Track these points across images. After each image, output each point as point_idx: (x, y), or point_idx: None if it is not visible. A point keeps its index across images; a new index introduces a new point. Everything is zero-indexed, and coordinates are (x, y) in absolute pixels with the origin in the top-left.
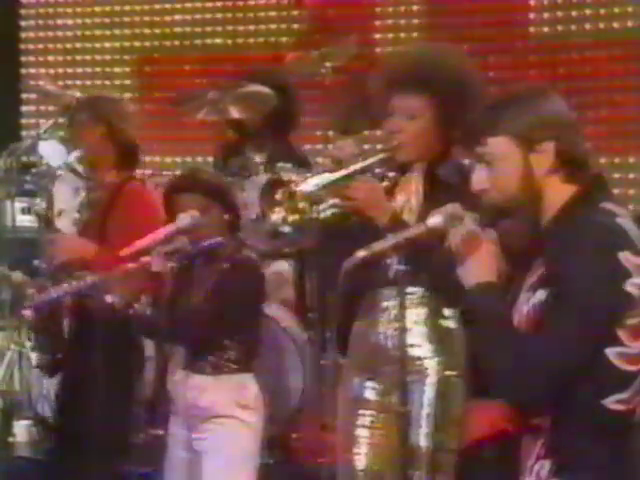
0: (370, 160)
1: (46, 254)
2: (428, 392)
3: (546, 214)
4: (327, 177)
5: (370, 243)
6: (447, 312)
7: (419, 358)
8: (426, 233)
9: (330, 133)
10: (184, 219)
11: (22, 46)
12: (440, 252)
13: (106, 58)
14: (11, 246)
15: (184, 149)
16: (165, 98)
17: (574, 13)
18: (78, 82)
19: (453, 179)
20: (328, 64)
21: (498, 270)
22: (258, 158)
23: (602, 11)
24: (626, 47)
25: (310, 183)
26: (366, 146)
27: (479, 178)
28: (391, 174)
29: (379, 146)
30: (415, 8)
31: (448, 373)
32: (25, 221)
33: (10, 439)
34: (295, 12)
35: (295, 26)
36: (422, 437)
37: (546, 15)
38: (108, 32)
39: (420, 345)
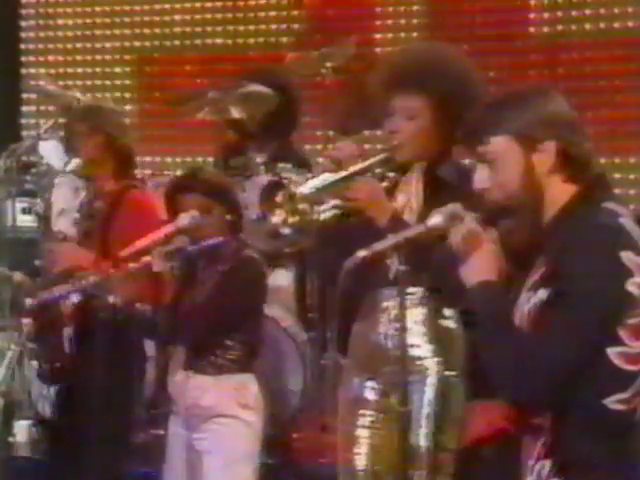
0: (370, 161)
1: (45, 262)
2: (428, 392)
3: (547, 213)
4: (327, 178)
5: (370, 243)
6: (447, 312)
7: (419, 358)
8: (426, 233)
9: (330, 133)
10: (184, 219)
11: (22, 46)
12: (440, 252)
13: (106, 58)
14: (11, 246)
15: (184, 149)
16: (165, 98)
17: (574, 13)
18: (78, 82)
19: (453, 179)
20: (328, 64)
21: (499, 269)
22: (259, 158)
23: (602, 11)
24: (626, 47)
25: (310, 185)
26: (366, 146)
27: (480, 177)
28: (391, 174)
29: (379, 146)
30: (415, 8)
31: (448, 373)
32: (25, 221)
33: (10, 439)
34: (295, 12)
35: (295, 26)
36: (422, 437)
37: (546, 15)
38: (108, 32)
39: (420, 345)
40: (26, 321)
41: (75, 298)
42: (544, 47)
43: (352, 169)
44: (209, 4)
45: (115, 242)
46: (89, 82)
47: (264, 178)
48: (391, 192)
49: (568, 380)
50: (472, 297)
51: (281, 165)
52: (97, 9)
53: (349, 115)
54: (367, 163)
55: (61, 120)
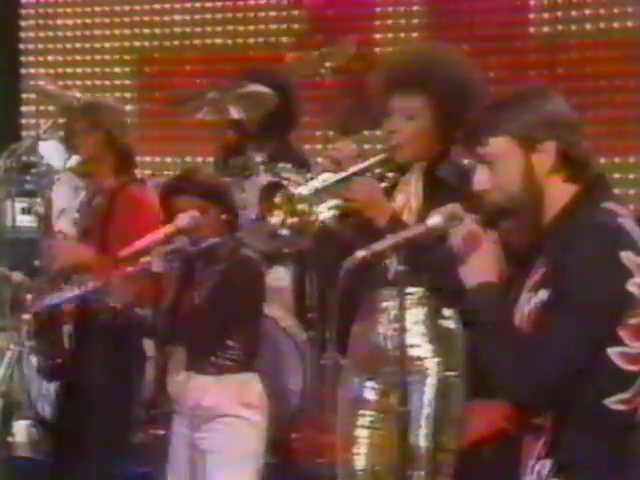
0: (369, 161)
1: (45, 259)
2: (428, 392)
3: (547, 214)
4: (326, 179)
5: (370, 244)
6: (447, 312)
7: (419, 358)
8: (426, 233)
9: (330, 133)
10: (183, 219)
11: (22, 46)
12: (440, 252)
13: (106, 58)
14: (11, 246)
15: (184, 149)
16: (165, 98)
17: (574, 13)
18: (78, 82)
19: (453, 179)
20: (328, 64)
21: (499, 270)
22: (258, 158)
23: (602, 11)
24: (626, 47)
25: (309, 185)
26: (366, 146)
27: (480, 178)
28: (390, 175)
29: (379, 146)
30: (415, 8)
31: (448, 373)
32: (25, 221)
33: (10, 439)
34: (295, 12)
35: (295, 26)
36: (422, 437)
37: (546, 15)
38: (108, 32)
39: (420, 345)
40: (26, 317)
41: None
42: (544, 47)
43: (351, 169)
44: (209, 4)
45: (114, 238)
46: (89, 82)
47: (263, 178)
48: (390, 192)
49: (568, 380)
50: (472, 298)
51: (281, 165)
52: (97, 9)
53: (349, 115)
54: (366, 163)
55: (61, 120)
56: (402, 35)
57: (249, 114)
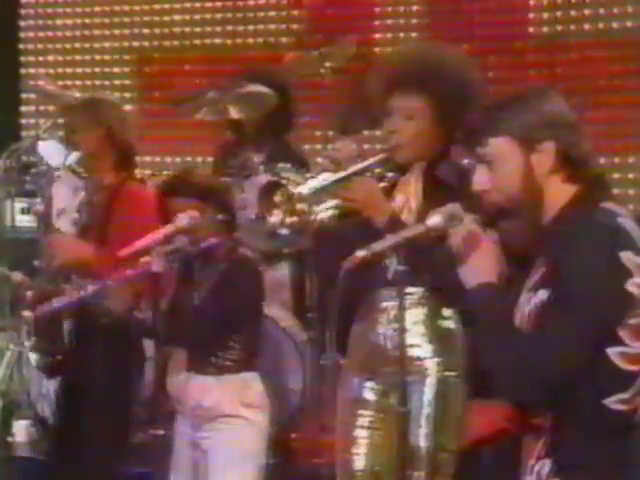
0: (369, 161)
1: (45, 256)
2: (428, 392)
3: (547, 214)
4: (326, 179)
5: (369, 244)
6: (447, 312)
7: (419, 358)
8: (425, 233)
9: (330, 133)
10: (183, 219)
11: (22, 46)
12: (440, 252)
13: (106, 58)
14: (11, 246)
15: (184, 149)
16: (165, 98)
17: (573, 13)
18: (78, 82)
19: (452, 179)
20: (327, 64)
21: (499, 270)
22: (257, 158)
23: (601, 11)
24: (625, 47)
25: (308, 185)
26: (365, 146)
27: (480, 178)
28: (390, 174)
29: (378, 146)
30: (415, 8)
31: (448, 373)
32: (25, 221)
33: (9, 439)
34: (295, 12)
35: (295, 26)
36: (422, 437)
37: (545, 15)
38: (108, 32)
39: (420, 345)
40: (27, 314)
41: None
42: (543, 47)
43: (351, 169)
44: (209, 4)
45: (114, 235)
46: (89, 82)
47: (263, 178)
48: (390, 192)
49: (568, 380)
50: (472, 298)
51: (280, 165)
52: (96, 9)
53: (348, 115)
54: (366, 163)
55: (61, 120)
56: (402, 35)
57: (248, 114)
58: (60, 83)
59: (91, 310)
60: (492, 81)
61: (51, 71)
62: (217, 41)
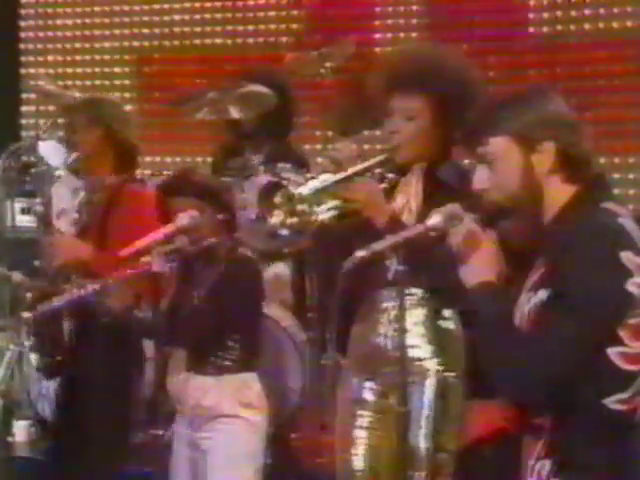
0: (369, 162)
1: (45, 256)
2: (428, 393)
3: (547, 214)
4: (326, 179)
5: (369, 244)
6: (447, 313)
7: (419, 359)
8: (425, 233)
9: (330, 133)
10: (183, 218)
11: (22, 46)
12: (440, 252)
13: (106, 58)
14: (11, 246)
15: (184, 149)
16: (165, 98)
17: (573, 13)
18: (78, 82)
19: (453, 180)
20: (327, 64)
21: (498, 270)
22: (257, 158)
23: (601, 11)
24: (626, 47)
25: (309, 186)
26: (365, 146)
27: (480, 178)
28: (390, 175)
29: (378, 146)
30: (415, 8)
31: (447, 374)
32: (25, 221)
33: (10, 439)
34: (295, 12)
35: (295, 26)
36: (422, 438)
37: (546, 15)
38: (108, 32)
39: (420, 346)
40: (26, 315)
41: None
42: (543, 47)
43: (351, 170)
44: (209, 4)
45: (114, 235)
46: (89, 82)
47: (263, 178)
48: (390, 193)
49: (568, 380)
50: (472, 298)
51: (280, 165)
52: (96, 9)
53: (348, 115)
54: (366, 164)
55: (60, 120)
56: (402, 35)
57: (248, 114)
58: (60, 83)
59: (91, 310)
60: (492, 81)
61: (51, 71)
62: (217, 41)
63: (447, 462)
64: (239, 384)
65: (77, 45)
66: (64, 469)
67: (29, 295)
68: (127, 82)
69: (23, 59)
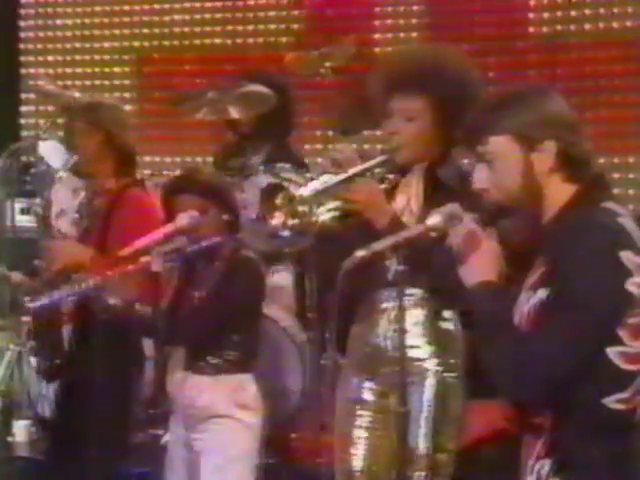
0: (370, 162)
1: (44, 260)
2: (427, 393)
3: (547, 213)
4: (327, 180)
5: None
6: (446, 314)
7: (418, 359)
8: (425, 233)
9: (330, 133)
10: (183, 219)
11: (22, 46)
12: (440, 252)
13: (106, 58)
14: (11, 246)
15: (184, 149)
16: (165, 98)
17: (573, 13)
18: (78, 82)
19: (453, 180)
20: (327, 64)
21: (498, 270)
22: (256, 158)
23: (601, 11)
24: (626, 47)
25: (310, 187)
26: (366, 146)
27: (480, 177)
28: (391, 176)
29: (379, 146)
30: (415, 8)
31: (447, 374)
32: (25, 221)
33: (10, 439)
34: (295, 12)
35: (295, 26)
36: (421, 438)
37: (546, 15)
38: (108, 32)
39: (419, 346)
40: (26, 319)
41: (74, 299)
42: (544, 47)
43: (352, 171)
44: (209, 4)
45: (114, 239)
46: (89, 82)
47: (263, 178)
48: (391, 194)
49: (567, 380)
50: (472, 297)
51: (280, 165)
52: (97, 9)
53: (349, 115)
54: (367, 165)
55: (60, 120)
56: (402, 35)
57: (248, 114)
58: (60, 83)
59: (90, 311)
60: (492, 81)
61: (51, 71)
62: (217, 41)
63: (447, 462)
64: (235, 385)
65: (77, 45)
66: (64, 469)
67: (27, 300)
68: (127, 82)
69: (23, 59)
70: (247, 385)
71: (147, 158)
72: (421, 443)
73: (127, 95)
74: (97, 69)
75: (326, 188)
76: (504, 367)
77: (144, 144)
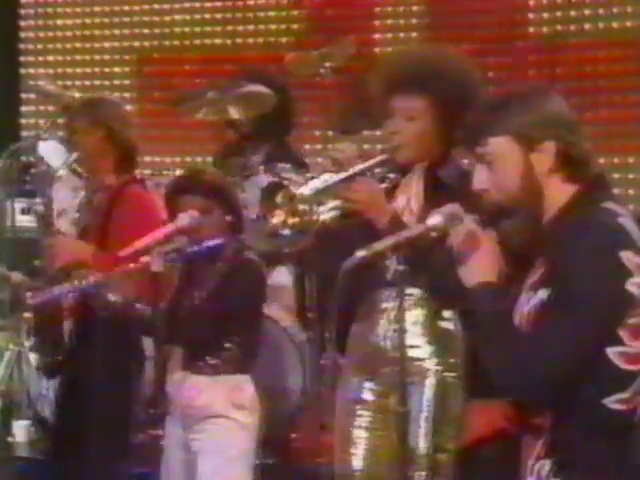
0: (370, 162)
1: (45, 257)
2: (427, 393)
3: (547, 214)
4: (327, 179)
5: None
6: (446, 314)
7: (418, 359)
8: (426, 233)
9: (330, 133)
10: (183, 219)
11: (22, 46)
12: (440, 252)
13: (106, 58)
14: (11, 246)
15: (184, 149)
16: (165, 98)
17: (573, 13)
18: (78, 82)
19: (453, 180)
20: (327, 64)
21: (498, 270)
22: (257, 158)
23: (601, 11)
24: (625, 47)
25: (310, 186)
26: (366, 146)
27: (480, 178)
28: (392, 175)
29: (379, 146)
30: (415, 8)
31: (447, 374)
32: (25, 221)
33: (10, 439)
34: (295, 12)
35: (295, 26)
36: (421, 438)
37: (545, 15)
38: (108, 32)
39: (419, 346)
40: (27, 315)
41: (75, 295)
42: (543, 47)
43: (352, 170)
44: (209, 4)
45: (115, 236)
46: (89, 82)
47: (263, 178)
48: (391, 193)
49: (568, 380)
50: (472, 298)
51: (280, 165)
52: (97, 9)
53: (349, 115)
54: (367, 164)
55: (61, 120)
56: (402, 35)
57: (248, 114)
58: (60, 83)
59: (91, 308)
60: (492, 81)
61: (51, 71)
62: (217, 41)
63: (447, 462)
64: (233, 385)
65: (77, 45)
66: (64, 469)
67: (29, 296)
68: (127, 82)
69: (23, 59)
70: (245, 385)
71: (147, 158)
72: (421, 443)
73: (127, 95)
74: (97, 69)
75: (327, 187)
76: (504, 367)
77: (144, 144)
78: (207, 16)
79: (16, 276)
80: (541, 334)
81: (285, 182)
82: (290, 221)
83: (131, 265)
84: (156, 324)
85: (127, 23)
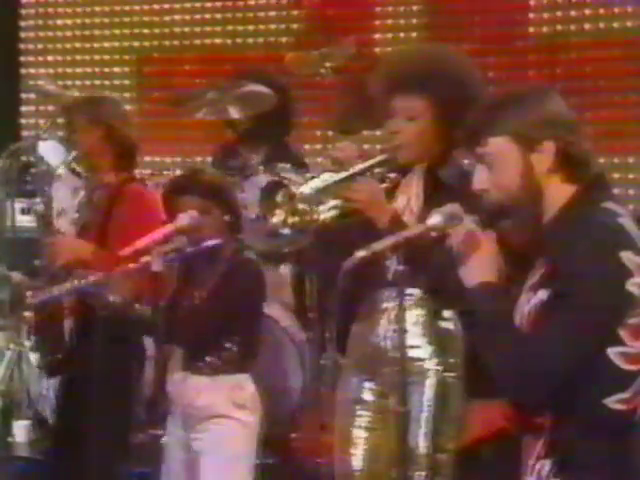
0: (371, 161)
1: (45, 256)
2: (427, 393)
3: (547, 214)
4: (327, 179)
5: (370, 244)
6: (446, 314)
7: (418, 359)
8: (425, 233)
9: (330, 133)
10: (183, 219)
11: (22, 46)
12: (440, 252)
13: (106, 58)
14: (11, 246)
15: (184, 149)
16: (164, 98)
17: (573, 13)
18: (78, 82)
19: (454, 180)
20: (328, 64)
21: (498, 270)
22: (256, 158)
23: (601, 11)
24: (626, 47)
25: (310, 185)
26: (366, 146)
27: (479, 178)
28: (392, 175)
29: (379, 146)
30: (415, 8)
31: (447, 374)
32: (25, 221)
33: (10, 439)
34: (295, 12)
35: (295, 26)
36: (421, 438)
37: (546, 15)
38: (108, 32)
39: (419, 346)
40: (27, 314)
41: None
42: (544, 47)
43: (352, 170)
44: (209, 4)
45: (114, 234)
46: (89, 82)
47: (263, 178)
48: (391, 193)
49: (568, 380)
50: (472, 298)
51: (280, 165)
52: (96, 9)
53: (349, 115)
54: (367, 164)
55: (60, 120)
56: (402, 35)
57: (248, 114)
58: (60, 83)
59: (91, 307)
60: (492, 81)
61: (51, 71)
62: (217, 41)
63: (447, 462)
64: (233, 384)
65: (77, 45)
66: (64, 469)
67: (29, 295)
68: (127, 82)
69: (22, 59)
70: (245, 385)
71: (147, 158)
72: (421, 443)
73: (127, 95)
74: (97, 69)
75: (327, 186)
76: (504, 367)
77: (144, 144)
78: (207, 16)
79: (16, 276)
80: (541, 334)
81: (285, 181)
82: (290, 220)
83: (131, 265)
84: (155, 324)
85: (127, 23)
